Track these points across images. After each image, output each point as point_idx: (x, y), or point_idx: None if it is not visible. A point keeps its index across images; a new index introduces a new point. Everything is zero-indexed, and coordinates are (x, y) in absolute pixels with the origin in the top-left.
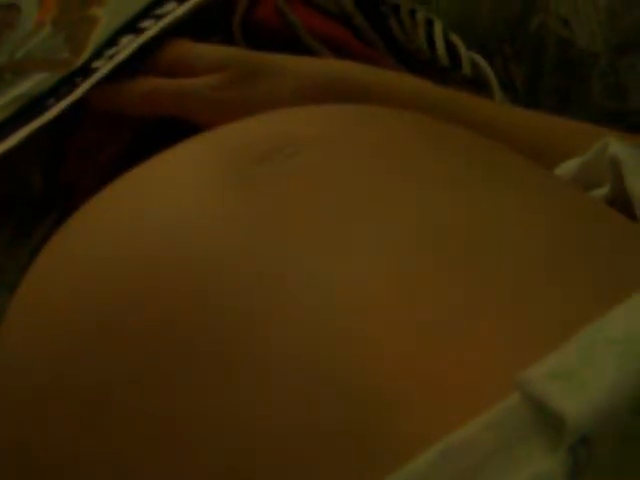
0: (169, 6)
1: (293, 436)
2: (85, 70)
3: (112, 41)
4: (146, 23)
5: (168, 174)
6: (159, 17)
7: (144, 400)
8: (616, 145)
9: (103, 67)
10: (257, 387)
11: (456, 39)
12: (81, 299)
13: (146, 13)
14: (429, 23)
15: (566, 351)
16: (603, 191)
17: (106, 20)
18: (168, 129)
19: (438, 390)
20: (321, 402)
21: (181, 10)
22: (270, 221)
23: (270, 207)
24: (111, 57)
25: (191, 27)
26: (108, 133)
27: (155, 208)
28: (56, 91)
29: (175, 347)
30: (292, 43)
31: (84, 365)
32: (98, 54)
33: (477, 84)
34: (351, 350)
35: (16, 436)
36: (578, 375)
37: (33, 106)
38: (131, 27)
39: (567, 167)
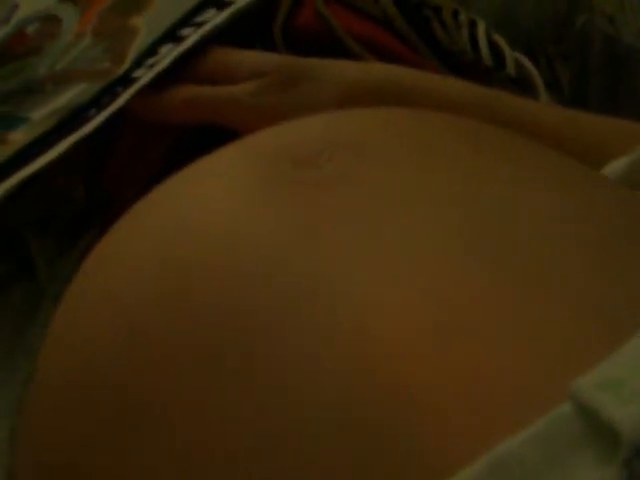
0: (209, 14)
1: (326, 454)
2: (126, 80)
3: (152, 50)
4: (186, 31)
5: (206, 182)
6: (199, 25)
7: (173, 413)
8: None
9: (144, 76)
10: (285, 404)
11: (499, 39)
12: (120, 308)
13: (186, 21)
14: (472, 24)
15: (617, 359)
16: None
17: (146, 29)
18: (208, 137)
19: (477, 401)
20: (355, 420)
21: (221, 18)
22: (305, 229)
23: (306, 214)
24: (151, 66)
25: (232, 34)
26: (148, 142)
27: (194, 217)
28: (97, 101)
29: (206, 359)
30: (334, 48)
31: (122, 371)
32: (138, 63)
33: (522, 84)
34: (384, 366)
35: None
36: (630, 384)
37: (75, 117)
38: (171, 35)
39: (615, 167)
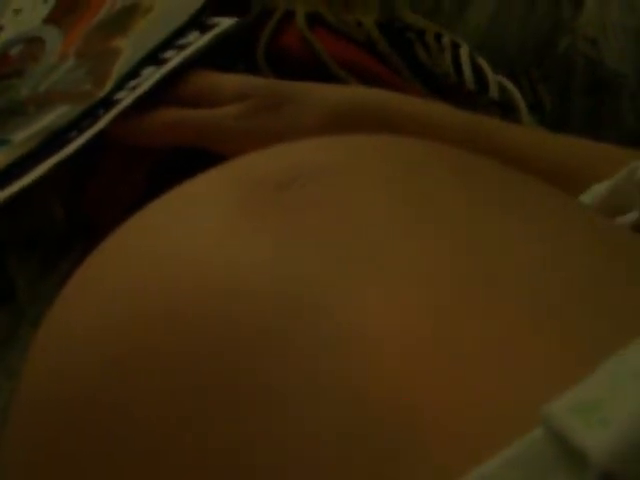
0: (192, 36)
1: (324, 465)
2: (107, 102)
3: (134, 72)
4: (169, 54)
5: (187, 208)
6: (182, 47)
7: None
8: None
9: (125, 99)
10: (279, 418)
11: (483, 62)
12: (104, 330)
13: (168, 44)
14: (455, 47)
15: (589, 384)
16: (633, 216)
17: (129, 52)
18: (190, 159)
19: (459, 424)
20: (351, 434)
21: (203, 41)
22: (286, 249)
23: (288, 237)
24: (133, 88)
25: (215, 56)
26: (129, 165)
27: (176, 240)
28: (78, 124)
29: (195, 384)
30: (317, 71)
31: (110, 392)
32: (120, 86)
33: (505, 107)
34: (370, 382)
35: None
36: (601, 408)
37: (55, 139)
38: (153, 58)
39: (596, 191)
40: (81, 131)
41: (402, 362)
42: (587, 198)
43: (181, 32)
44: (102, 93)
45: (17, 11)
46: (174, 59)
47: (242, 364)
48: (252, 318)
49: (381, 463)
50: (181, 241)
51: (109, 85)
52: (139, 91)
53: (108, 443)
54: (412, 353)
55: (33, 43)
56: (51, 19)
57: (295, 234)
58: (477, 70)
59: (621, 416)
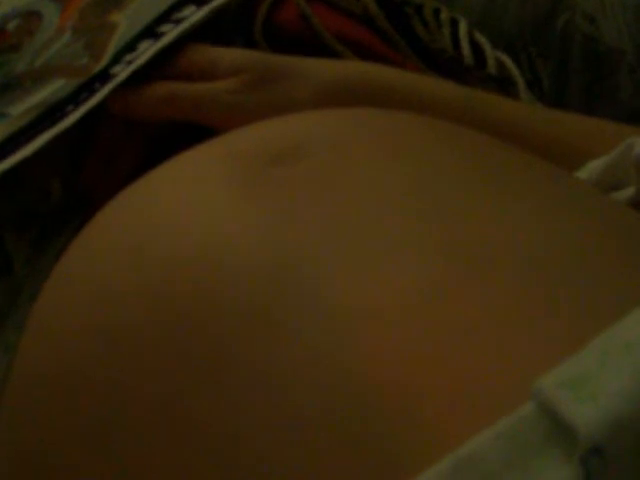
0: (188, 10)
1: (308, 440)
2: (104, 76)
3: (131, 46)
4: (165, 27)
5: (180, 178)
6: (178, 21)
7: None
8: None
9: (121, 73)
10: (262, 391)
11: (481, 38)
12: (97, 303)
13: (165, 17)
14: (454, 23)
15: (580, 358)
16: (628, 193)
17: (125, 25)
18: (186, 133)
19: (451, 400)
20: (337, 409)
21: (199, 14)
22: (280, 222)
23: (280, 209)
24: (130, 62)
25: (212, 31)
26: (125, 139)
27: (169, 212)
28: (75, 97)
29: (190, 357)
30: (315, 46)
31: (100, 367)
32: (117, 59)
33: (503, 83)
34: (355, 357)
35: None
36: (591, 382)
37: (52, 113)
38: (150, 32)
39: (593, 167)
40: (78, 105)
41: (388, 338)
42: (583, 174)
43: (177, 6)
44: (99, 67)
45: None
46: (170, 33)
47: (226, 338)
48: (236, 292)
49: (368, 438)
50: (172, 213)
51: (105, 59)
52: (135, 65)
53: (100, 415)
54: (399, 329)
55: (30, 17)
56: None
57: (285, 209)
58: (475, 46)
59: (610, 391)
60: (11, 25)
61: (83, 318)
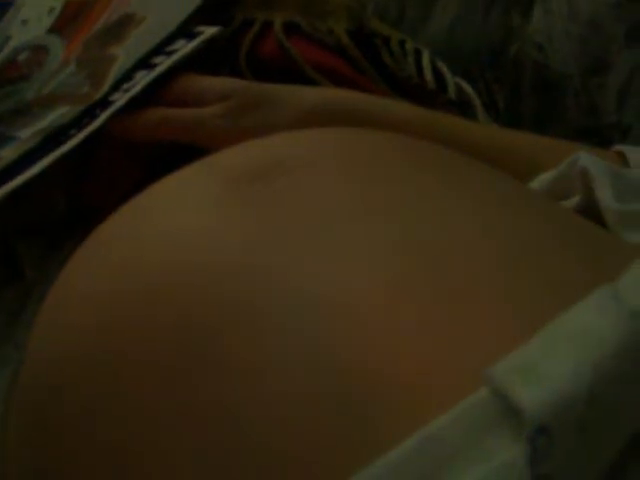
0: (178, 43)
1: (277, 433)
2: (104, 103)
3: (128, 76)
4: (158, 59)
5: (171, 194)
6: (170, 53)
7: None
8: (586, 158)
9: (119, 99)
10: (256, 380)
11: (442, 66)
12: (98, 305)
13: (158, 50)
14: (417, 52)
15: (529, 346)
16: (574, 201)
17: (123, 58)
18: (181, 154)
19: (413, 388)
20: (307, 405)
21: (189, 47)
22: (258, 236)
23: (261, 219)
24: (127, 90)
25: (201, 62)
26: (124, 158)
27: (163, 223)
28: (78, 122)
29: (184, 349)
30: (293, 74)
31: (102, 359)
32: (115, 88)
33: (462, 106)
34: (328, 353)
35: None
36: (538, 368)
37: (57, 136)
38: (145, 63)
39: (543, 178)
40: (80, 129)
41: (361, 327)
42: (534, 185)
43: (170, 40)
44: (99, 95)
45: (24, 22)
46: (163, 63)
47: (210, 331)
48: (224, 289)
49: (346, 421)
50: (164, 224)
51: (105, 87)
52: (132, 92)
53: (103, 399)
54: (370, 320)
55: (38, 50)
56: (54, 29)
57: (265, 219)
58: (437, 73)
59: (553, 374)
60: (21, 57)
61: (87, 316)
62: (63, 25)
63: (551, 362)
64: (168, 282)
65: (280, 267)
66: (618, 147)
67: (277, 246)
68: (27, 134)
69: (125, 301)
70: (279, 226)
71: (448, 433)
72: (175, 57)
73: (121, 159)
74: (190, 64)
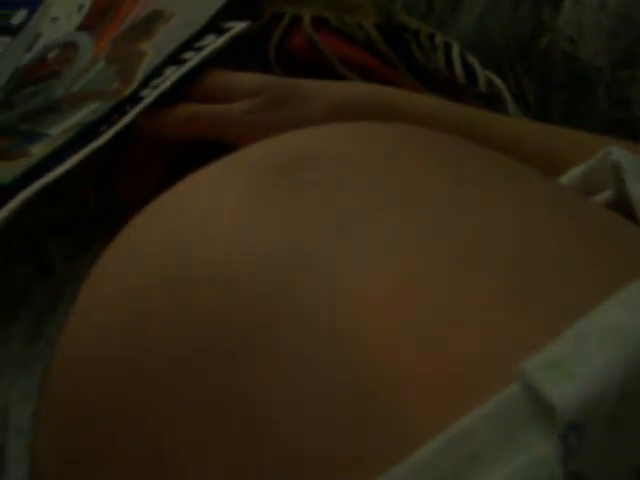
0: (208, 39)
1: (307, 433)
2: (134, 99)
3: (158, 72)
4: (188, 55)
5: (199, 191)
6: (199, 49)
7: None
8: (618, 152)
9: (149, 96)
10: (286, 379)
11: (472, 59)
12: (128, 302)
13: (187, 46)
14: (447, 46)
15: (560, 342)
16: (606, 196)
17: (152, 54)
18: (207, 150)
19: (441, 384)
20: (336, 402)
21: (218, 42)
22: (286, 228)
23: (287, 215)
24: (156, 86)
25: (231, 57)
26: (154, 155)
27: (193, 219)
28: (108, 118)
29: (208, 345)
30: (322, 69)
31: (130, 354)
32: (145, 84)
33: (492, 100)
34: (359, 349)
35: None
36: (569, 365)
37: (87, 132)
38: (174, 59)
39: (573, 174)
40: (110, 125)
41: (390, 323)
42: (565, 179)
43: (199, 36)
44: (129, 91)
45: (54, 19)
46: (193, 59)
47: (242, 329)
48: (255, 284)
49: (368, 418)
50: (193, 219)
51: (135, 83)
52: (161, 89)
53: (134, 397)
54: (398, 316)
55: (68, 48)
56: (84, 26)
57: (292, 213)
58: (467, 66)
59: (584, 372)
60: (51, 55)
61: (117, 314)
62: (92, 22)
63: (582, 359)
64: (200, 280)
65: (310, 265)
66: None
67: (304, 241)
68: (57, 131)
69: (156, 299)
70: (305, 220)
71: (479, 429)
72: (204, 53)
73: (151, 154)
74: (220, 59)
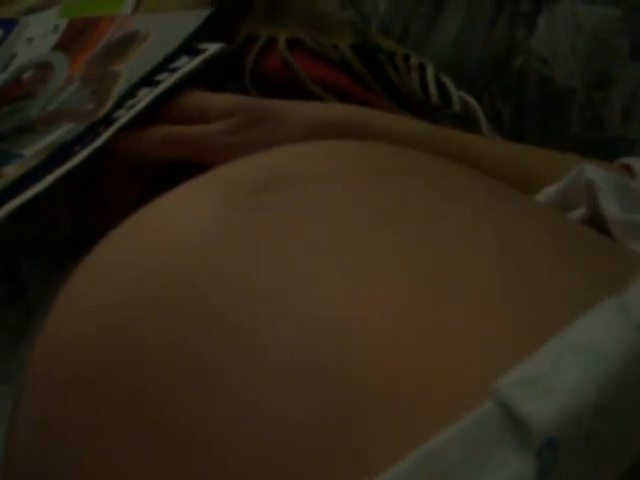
0: (182, 60)
1: (285, 447)
2: (107, 120)
3: (132, 93)
4: (162, 76)
5: (173, 207)
6: (173, 70)
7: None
8: (591, 170)
9: (123, 117)
10: (255, 401)
11: (447, 80)
12: (98, 325)
13: (161, 67)
14: (422, 67)
15: (534, 359)
16: (579, 212)
17: (126, 75)
18: (182, 172)
19: (414, 404)
20: (313, 419)
21: (193, 64)
22: (259, 247)
23: (260, 235)
24: (130, 107)
25: (206, 78)
26: (128, 176)
27: (162, 238)
28: (82, 139)
29: (185, 362)
30: (298, 90)
31: (98, 367)
32: (119, 105)
33: (467, 120)
34: (335, 360)
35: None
36: (544, 381)
37: (61, 153)
38: (148, 80)
39: (547, 192)
40: (84, 146)
41: (361, 345)
42: (540, 197)
43: (173, 57)
44: (103, 112)
45: (30, 39)
46: (167, 80)
47: (210, 348)
48: (223, 304)
49: (340, 438)
50: (167, 236)
51: (109, 105)
52: (135, 110)
53: (105, 415)
54: (370, 337)
55: (43, 68)
56: (60, 46)
57: (268, 233)
58: (441, 87)
59: (560, 388)
60: (26, 75)
61: (87, 331)
62: (68, 42)
63: (557, 375)
64: (171, 298)
65: (281, 283)
66: (624, 160)
67: (279, 260)
68: (32, 152)
69: (127, 317)
70: (282, 239)
71: (450, 448)
72: (178, 74)
73: (126, 175)
74: (194, 81)
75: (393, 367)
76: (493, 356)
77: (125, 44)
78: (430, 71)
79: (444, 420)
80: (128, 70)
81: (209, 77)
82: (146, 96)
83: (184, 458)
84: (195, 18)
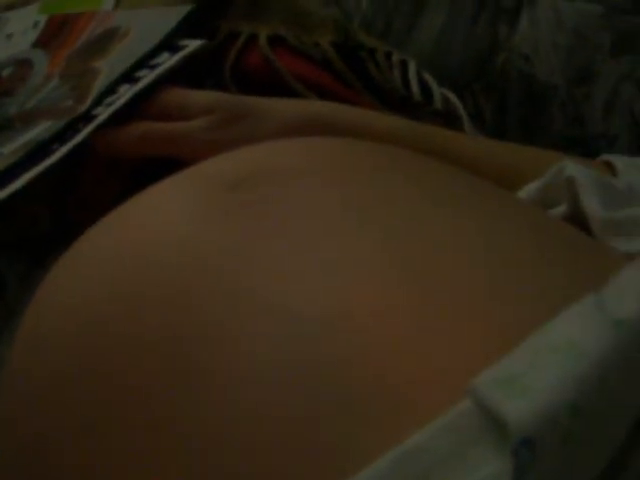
0: (162, 57)
1: (268, 442)
2: (87, 117)
3: (111, 90)
4: (142, 73)
5: (152, 204)
6: (153, 67)
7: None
8: (572, 167)
9: (102, 114)
10: (239, 396)
11: (428, 77)
12: (76, 322)
13: (141, 64)
14: (404, 64)
15: (512, 358)
16: (561, 209)
17: (106, 71)
18: (162, 168)
19: (395, 399)
20: (300, 410)
21: (173, 61)
22: (235, 243)
23: (236, 230)
24: (110, 104)
25: (186, 74)
26: (107, 172)
27: (140, 235)
28: (60, 136)
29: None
30: (278, 87)
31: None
32: (99, 102)
33: (448, 117)
34: (316, 359)
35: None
36: (522, 380)
37: (39, 151)
38: (128, 77)
39: (529, 189)
40: (63, 143)
41: (344, 342)
42: (522, 194)
43: (153, 53)
44: (83, 108)
45: (9, 36)
46: (147, 77)
47: (191, 344)
48: (204, 297)
49: (329, 436)
50: (146, 233)
51: (89, 101)
52: (115, 106)
53: (83, 413)
54: (353, 335)
55: (23, 65)
56: (39, 43)
57: (246, 228)
58: (423, 84)
59: (538, 387)
60: (5, 72)
61: (65, 328)
62: (48, 39)
63: (535, 374)
64: (149, 294)
65: (261, 279)
66: (605, 156)
67: (259, 257)
68: (10, 149)
69: (105, 314)
70: (262, 236)
71: (430, 446)
72: (158, 71)
73: (105, 172)
74: (174, 77)
75: (380, 365)
76: (481, 353)
77: (105, 40)
78: (412, 68)
79: (429, 418)
80: (108, 66)
81: (190, 74)
82: (126, 93)
83: (159, 453)
84: (176, 14)
